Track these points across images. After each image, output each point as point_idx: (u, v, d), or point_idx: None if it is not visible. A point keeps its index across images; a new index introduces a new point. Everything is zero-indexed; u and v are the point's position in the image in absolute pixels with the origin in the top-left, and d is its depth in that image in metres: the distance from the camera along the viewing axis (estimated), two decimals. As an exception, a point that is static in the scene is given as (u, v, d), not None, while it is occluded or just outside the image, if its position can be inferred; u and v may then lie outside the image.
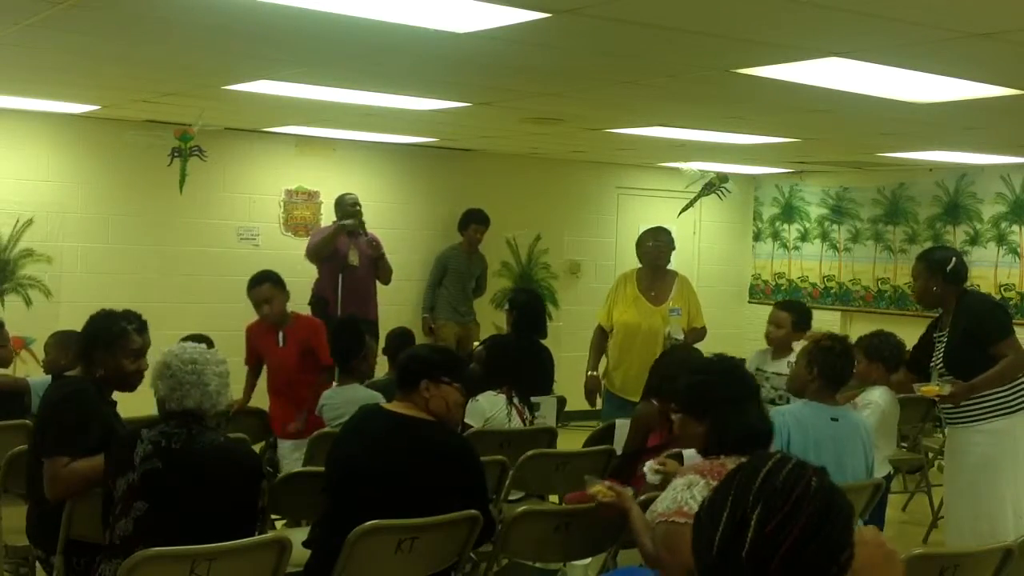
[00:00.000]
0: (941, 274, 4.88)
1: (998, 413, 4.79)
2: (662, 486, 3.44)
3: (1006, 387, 4.79)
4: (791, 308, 5.74)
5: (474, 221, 8.72)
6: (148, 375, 3.55)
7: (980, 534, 4.69)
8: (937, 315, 5.11)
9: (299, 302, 6.97)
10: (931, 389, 4.78)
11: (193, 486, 3.16)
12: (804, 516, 1.61)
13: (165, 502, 3.15)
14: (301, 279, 7.57)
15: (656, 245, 6.40)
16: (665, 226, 6.67)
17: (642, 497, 3.54)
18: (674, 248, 6.53)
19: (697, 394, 3.36)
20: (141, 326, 3.82)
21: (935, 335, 4.97)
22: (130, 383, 3.81)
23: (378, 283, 8.10)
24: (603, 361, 6.47)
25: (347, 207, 7.95)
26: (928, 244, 9.48)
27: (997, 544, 3.57)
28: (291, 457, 5.31)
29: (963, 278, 4.96)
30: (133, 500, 3.16)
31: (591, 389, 6.40)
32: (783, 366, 5.40)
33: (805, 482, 1.65)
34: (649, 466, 3.77)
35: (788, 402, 5.10)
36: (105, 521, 3.27)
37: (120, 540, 3.15)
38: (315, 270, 7.85)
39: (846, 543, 1.64)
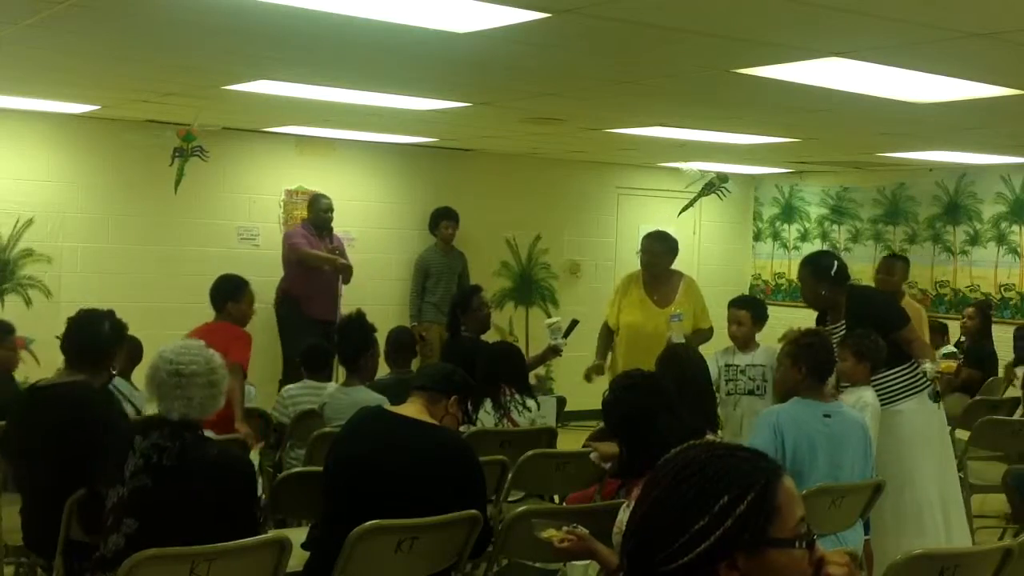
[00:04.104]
0: (827, 277, 5.11)
1: (909, 392, 5.00)
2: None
3: (909, 369, 5.01)
4: (748, 304, 5.94)
5: (443, 218, 8.67)
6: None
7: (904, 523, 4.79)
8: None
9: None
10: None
11: (183, 505, 3.06)
12: (664, 480, 1.61)
13: (155, 521, 3.05)
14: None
15: (646, 258, 6.36)
16: (665, 230, 6.56)
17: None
18: (676, 253, 6.46)
19: (605, 414, 3.32)
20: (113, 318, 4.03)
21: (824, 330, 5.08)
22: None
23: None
24: (609, 358, 6.43)
25: (320, 212, 7.97)
26: (928, 244, 9.50)
27: (996, 545, 3.57)
28: None
29: (847, 277, 5.23)
30: (123, 515, 3.09)
31: (593, 372, 6.30)
32: (752, 358, 5.63)
33: (678, 451, 1.64)
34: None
35: (766, 392, 5.42)
36: (87, 523, 3.27)
37: (112, 555, 3.08)
38: (279, 269, 7.92)
39: (704, 510, 1.55)
